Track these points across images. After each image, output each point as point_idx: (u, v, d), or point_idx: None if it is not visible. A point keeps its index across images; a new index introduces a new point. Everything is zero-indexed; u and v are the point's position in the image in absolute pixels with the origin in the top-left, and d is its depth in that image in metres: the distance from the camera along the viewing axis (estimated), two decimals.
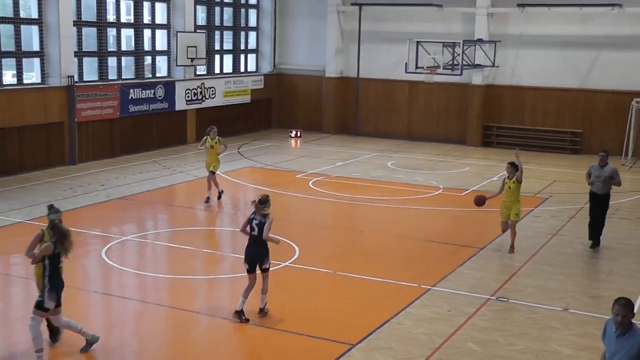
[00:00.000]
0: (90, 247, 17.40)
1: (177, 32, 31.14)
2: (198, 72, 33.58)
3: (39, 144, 25.81)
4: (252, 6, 37.62)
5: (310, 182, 25.06)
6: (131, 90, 29.17)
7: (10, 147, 24.86)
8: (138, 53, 30.44)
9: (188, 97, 32.27)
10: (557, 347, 12.21)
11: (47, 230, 11.36)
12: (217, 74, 35.32)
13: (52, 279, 11.13)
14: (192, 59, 31.54)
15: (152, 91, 30.25)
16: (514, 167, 17.01)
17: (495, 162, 29.84)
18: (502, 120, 34.04)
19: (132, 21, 30.39)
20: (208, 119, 33.41)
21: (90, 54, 28.32)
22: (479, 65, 32.07)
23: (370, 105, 36.46)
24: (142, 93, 29.70)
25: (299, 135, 35.26)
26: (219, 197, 22.09)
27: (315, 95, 37.59)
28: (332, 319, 13.31)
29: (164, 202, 22.46)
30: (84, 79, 27.90)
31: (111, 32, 29.46)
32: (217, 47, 35.41)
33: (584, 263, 16.81)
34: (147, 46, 31.13)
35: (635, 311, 8.11)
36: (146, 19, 30.93)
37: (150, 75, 31.43)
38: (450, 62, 29.62)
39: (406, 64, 29.89)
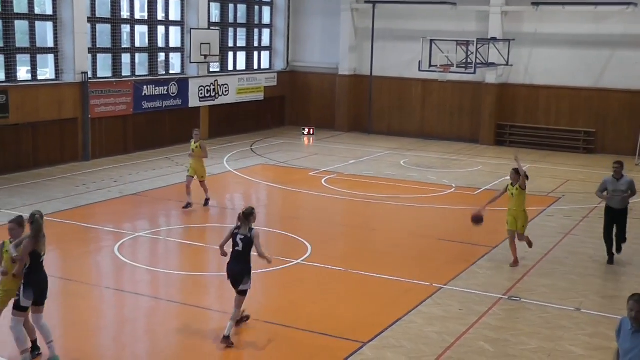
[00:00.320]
0: (102, 243, 17.47)
1: (191, 29, 31.18)
2: (211, 69, 33.62)
3: (52, 140, 25.90)
4: (266, 3, 37.63)
5: (323, 179, 25.06)
6: (144, 87, 29.24)
7: (25, 143, 24.96)
8: (152, 50, 30.50)
9: (201, 94, 32.32)
10: (569, 347, 12.18)
11: (6, 241, 10.93)
12: (231, 71, 35.35)
13: (29, 276, 10.74)
14: (205, 56, 31.57)
15: (166, 88, 30.31)
16: (517, 174, 16.13)
17: (508, 161, 29.69)
18: (515, 119, 33.94)
19: (146, 18, 30.45)
20: (221, 116, 33.56)
21: (104, 50, 28.40)
22: (492, 64, 31.97)
23: (383, 103, 36.43)
24: (155, 90, 29.75)
25: (312, 132, 35.26)
26: (206, 204, 20.99)
27: (328, 93, 37.59)
28: (343, 316, 13.31)
29: (177, 198, 22.48)
30: (98, 76, 27.99)
31: (125, 29, 29.54)
32: (230, 44, 35.44)
33: (597, 263, 16.74)
34: (160, 43, 31.19)
35: None
36: (160, 15, 30.99)
37: (164, 72, 31.49)
38: (464, 61, 29.53)
39: (420, 62, 29.81)
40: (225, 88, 33.81)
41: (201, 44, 31.27)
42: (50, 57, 26.41)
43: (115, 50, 28.65)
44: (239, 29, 36.14)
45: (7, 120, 24.18)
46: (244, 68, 36.47)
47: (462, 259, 16.82)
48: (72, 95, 26.31)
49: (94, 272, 15.91)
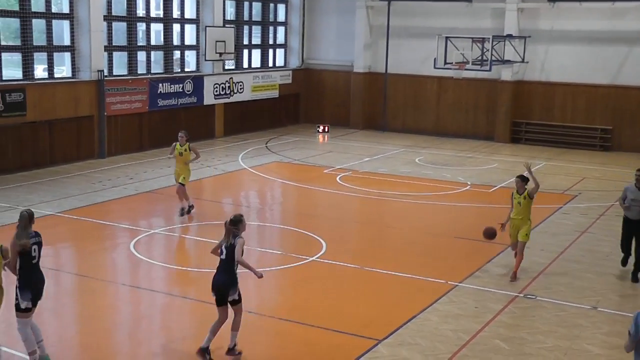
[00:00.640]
0: (118, 240, 17.54)
1: (206, 26, 31.24)
2: (226, 67, 33.67)
3: (69, 138, 26.01)
4: (281, 1, 37.62)
5: (338, 177, 25.06)
6: (160, 85, 29.31)
7: (42, 140, 25.08)
8: (167, 48, 30.56)
9: (216, 91, 32.37)
10: (586, 346, 12.13)
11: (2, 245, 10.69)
12: (246, 68, 35.39)
13: (22, 278, 10.62)
14: (220, 54, 31.62)
15: (181, 85, 30.37)
16: (524, 181, 15.11)
17: (524, 158, 29.62)
18: (531, 116, 33.83)
19: (162, 16, 30.51)
20: (236, 114, 33.60)
21: (120, 48, 28.48)
22: (508, 61, 31.88)
23: (398, 100, 36.38)
24: (170, 87, 29.82)
25: (326, 130, 35.26)
26: (189, 212, 19.65)
27: (343, 91, 37.57)
28: (358, 314, 13.31)
29: (192, 195, 22.47)
30: (114, 73, 28.08)
31: (141, 27, 29.62)
32: (245, 41, 35.47)
33: (613, 261, 16.64)
34: (176, 41, 31.25)
35: None
36: (175, 13, 31.05)
37: (179, 70, 31.55)
38: (480, 58, 29.48)
39: (435, 59, 29.79)
40: (240, 85, 33.85)
41: (216, 41, 31.32)
42: (67, 55, 26.51)
43: (131, 48, 28.74)
44: (254, 27, 36.17)
45: (25, 118, 24.30)
46: (258, 65, 36.50)
47: (477, 256, 16.78)
48: (88, 93, 26.41)
49: (110, 268, 15.96)
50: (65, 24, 26.24)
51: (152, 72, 29.82)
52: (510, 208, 15.37)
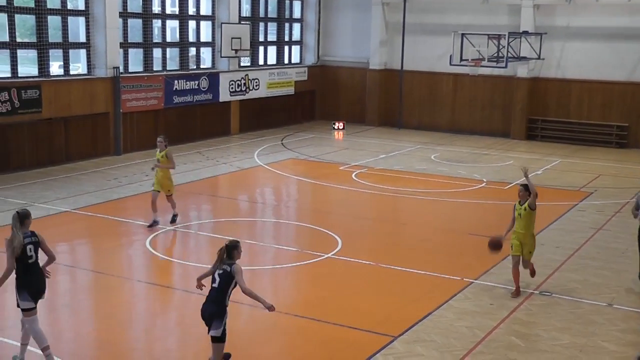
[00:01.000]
0: (134, 236, 17.59)
1: (222, 23, 31.26)
2: (242, 64, 33.70)
3: (84, 134, 26.10)
4: None
5: (354, 174, 25.05)
6: (175, 82, 29.36)
7: (57, 137, 25.18)
8: (183, 44, 30.61)
9: (232, 88, 32.40)
10: (601, 343, 12.10)
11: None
12: (261, 65, 35.40)
13: (18, 279, 10.55)
14: (236, 51, 31.65)
15: (197, 82, 30.42)
16: (527, 191, 13.91)
17: (540, 155, 29.60)
18: (547, 113, 33.70)
19: (177, 12, 30.56)
20: (252, 111, 33.64)
21: (135, 45, 28.55)
22: (524, 58, 31.77)
23: (414, 97, 36.32)
24: (186, 84, 29.87)
25: (342, 127, 35.24)
26: (154, 224, 18.16)
27: (358, 87, 37.54)
28: (374, 311, 13.31)
29: (208, 192, 22.59)
30: (129, 70, 28.14)
31: (156, 24, 29.68)
32: (261, 38, 35.49)
33: (629, 258, 16.56)
34: (191, 37, 31.31)
35: None
36: (191, 10, 31.11)
37: (195, 67, 31.61)
38: (495, 55, 29.38)
39: (451, 56, 29.69)
40: (256, 82, 33.87)
41: (232, 38, 31.34)
42: (83, 52, 26.60)
43: (147, 45, 28.80)
44: (269, 23, 36.18)
45: (40, 115, 24.41)
46: (274, 62, 36.51)
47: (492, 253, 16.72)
48: (104, 90, 26.49)
49: (126, 265, 16.02)
50: (81, 20, 26.33)
51: (167, 69, 29.88)
52: (510, 222, 14.17)
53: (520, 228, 14.01)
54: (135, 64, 28.81)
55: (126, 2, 27.63)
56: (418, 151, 30.08)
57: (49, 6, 24.92)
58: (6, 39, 23.80)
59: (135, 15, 28.30)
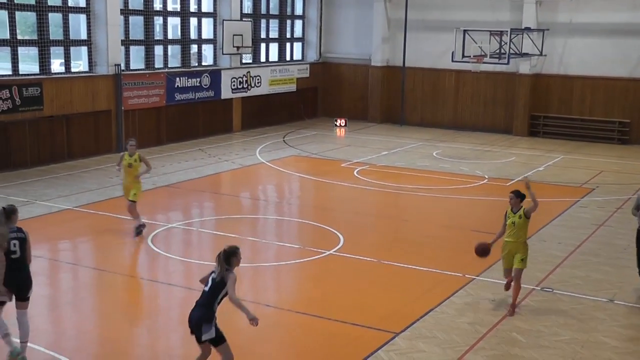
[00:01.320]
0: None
1: (223, 20, 31.26)
2: (244, 61, 33.69)
3: (86, 132, 26.11)
4: None
5: (356, 171, 25.05)
6: (177, 79, 29.37)
7: (59, 134, 25.18)
8: (184, 41, 30.61)
9: (234, 85, 32.40)
10: (603, 338, 12.10)
11: None
12: (263, 62, 35.40)
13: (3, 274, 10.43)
14: (238, 48, 31.63)
15: (198, 80, 30.42)
16: (519, 197, 13.11)
17: (542, 152, 29.60)
18: (549, 109, 33.68)
19: (179, 10, 30.55)
20: (254, 108, 33.65)
21: (137, 42, 28.55)
22: (526, 54, 31.76)
23: (416, 94, 36.31)
24: (188, 81, 29.88)
25: (344, 124, 35.22)
26: (139, 232, 17.15)
27: (361, 84, 37.53)
28: (375, 307, 13.31)
29: (210, 190, 22.60)
30: (131, 68, 28.15)
31: (158, 21, 29.68)
32: (263, 35, 35.48)
33: (631, 254, 16.49)
34: (193, 35, 31.30)
35: None
36: (192, 7, 31.09)
37: (196, 64, 31.60)
38: (498, 51, 29.37)
39: (453, 52, 29.71)
40: (258, 79, 33.87)
41: (233, 35, 31.33)
42: (84, 50, 26.60)
43: (148, 42, 28.80)
44: (271, 20, 36.17)
45: (42, 113, 24.42)
46: (276, 59, 36.51)
47: (494, 250, 16.68)
48: (106, 87, 26.50)
49: (128, 262, 16.03)
50: (82, 17, 26.33)
51: (169, 66, 29.89)
52: (501, 229, 13.27)
53: (512, 237, 13.05)
54: (137, 61, 28.81)
55: (127, 0, 27.63)
56: (420, 148, 30.07)
57: (49, 3, 24.91)
58: (7, 36, 23.80)
59: (136, 12, 28.29)
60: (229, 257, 9.81)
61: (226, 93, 32.03)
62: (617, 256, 16.47)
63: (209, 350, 10.04)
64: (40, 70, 24.80)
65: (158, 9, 29.54)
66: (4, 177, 22.53)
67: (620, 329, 12.50)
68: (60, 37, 25.58)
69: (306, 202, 21.99)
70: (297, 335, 12.28)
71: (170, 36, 30.27)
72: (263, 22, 35.47)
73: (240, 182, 24.01)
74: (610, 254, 16.59)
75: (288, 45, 37.33)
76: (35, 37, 24.74)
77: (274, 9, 36.39)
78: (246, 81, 33.14)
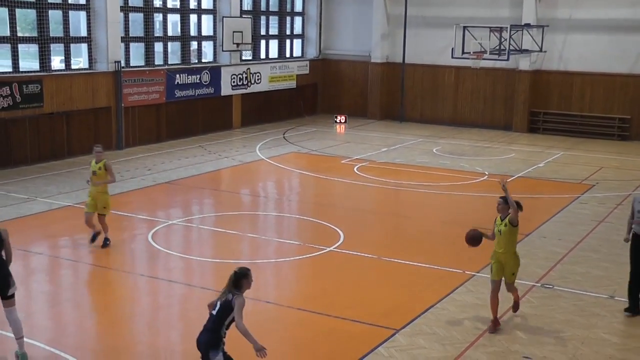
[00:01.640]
0: (136, 230, 17.61)
1: (223, 17, 31.25)
2: (244, 58, 33.69)
3: (86, 129, 26.11)
4: None
5: (355, 167, 25.06)
6: (177, 76, 29.37)
7: (59, 131, 25.19)
8: (184, 38, 30.61)
9: (234, 82, 32.40)
10: (603, 335, 12.11)
11: None
12: (263, 59, 35.40)
13: None
14: (237, 44, 31.63)
15: (198, 76, 30.42)
16: (507, 204, 12.14)
17: (542, 148, 29.60)
18: (549, 106, 33.67)
19: (178, 6, 30.54)
20: (253, 105, 33.65)
21: (136, 39, 28.54)
22: (526, 51, 31.75)
23: (416, 90, 36.30)
24: (188, 78, 29.87)
25: (344, 120, 35.22)
26: (93, 239, 16.05)
27: (360, 81, 37.53)
28: (376, 303, 13.32)
29: (210, 186, 22.60)
30: (131, 65, 28.15)
31: (157, 18, 29.67)
32: (262, 32, 35.47)
33: None
34: (193, 31, 31.29)
35: None
36: (192, 4, 31.08)
37: (196, 61, 31.60)
38: (497, 47, 29.36)
39: (452, 49, 29.68)
40: (258, 76, 33.86)
41: (233, 32, 31.33)
42: (84, 47, 26.60)
43: (148, 39, 28.80)
44: (271, 17, 36.16)
45: (42, 110, 24.42)
46: (276, 56, 36.50)
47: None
48: (106, 84, 26.50)
49: (128, 259, 16.03)
50: (82, 15, 26.33)
51: (169, 63, 29.89)
52: (490, 234, 12.54)
53: (500, 247, 12.23)
54: (137, 58, 28.81)
55: None
56: (420, 144, 30.08)
57: (49, 0, 24.89)
58: (7, 33, 23.81)
59: (136, 9, 28.29)
60: (239, 279, 9.26)
61: (226, 90, 32.02)
62: (617, 252, 16.45)
63: None
64: (40, 67, 24.82)
65: (158, 5, 29.53)
66: (4, 174, 22.54)
67: (621, 325, 12.52)
68: (61, 34, 25.58)
69: (306, 198, 22.00)
70: (297, 332, 12.29)
71: (170, 33, 30.26)
72: (263, 18, 35.46)
73: (240, 178, 24.02)
74: (610, 250, 16.60)
75: (288, 42, 37.31)
76: (35, 34, 24.75)
77: (274, 5, 36.38)
78: (246, 78, 33.14)
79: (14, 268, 14.14)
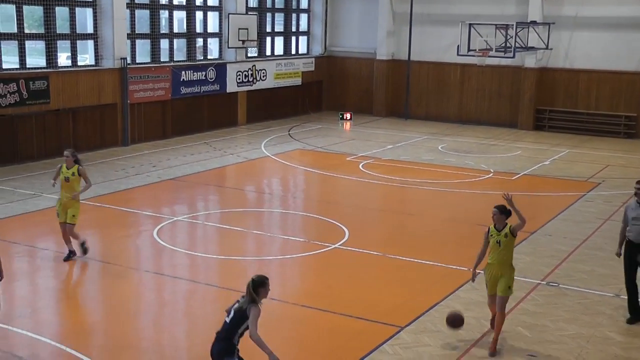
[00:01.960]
0: (142, 227, 17.63)
1: (229, 14, 31.24)
2: (249, 54, 33.68)
3: (92, 125, 26.15)
4: None
5: (361, 164, 25.05)
6: (183, 72, 29.38)
7: (65, 128, 25.23)
8: (190, 35, 30.61)
9: (239, 79, 32.40)
10: (608, 333, 12.10)
11: None
12: (268, 56, 35.39)
13: None
14: (243, 41, 31.63)
15: (204, 73, 30.43)
16: (504, 214, 11.55)
17: (548, 146, 29.56)
18: (554, 103, 33.63)
19: (184, 3, 30.54)
20: (259, 101, 33.64)
21: (142, 36, 28.56)
22: (532, 48, 31.70)
23: (421, 88, 36.27)
24: (193, 75, 29.88)
25: (349, 117, 35.21)
26: (69, 257, 14.94)
27: (366, 78, 37.51)
28: (381, 301, 13.33)
29: (215, 183, 22.62)
30: (137, 61, 28.16)
31: (163, 14, 29.67)
32: (268, 29, 35.46)
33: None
34: (198, 28, 31.30)
35: None
36: (198, 1, 31.11)
37: (202, 58, 31.61)
38: (503, 45, 29.32)
39: (458, 46, 29.65)
40: (263, 73, 33.87)
41: (239, 29, 31.32)
42: (90, 43, 26.62)
43: (154, 36, 28.82)
44: (276, 14, 36.15)
45: (48, 106, 24.46)
46: (281, 53, 36.49)
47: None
48: (112, 81, 26.52)
49: (134, 255, 16.05)
50: (89, 11, 26.35)
51: (174, 59, 29.91)
52: (481, 249, 11.93)
53: (494, 259, 11.58)
54: (143, 55, 28.83)
55: None
56: (425, 142, 30.06)
57: None
58: (14, 30, 23.84)
59: (142, 6, 28.31)
60: (256, 287, 9.04)
61: (231, 87, 32.03)
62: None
63: None
64: (47, 63, 24.85)
65: (164, 2, 29.52)
66: (11, 170, 22.59)
67: (626, 324, 12.49)
68: (67, 30, 25.61)
69: (311, 195, 22.01)
70: (301, 329, 12.30)
71: (176, 30, 30.27)
72: (268, 15, 35.45)
73: (245, 175, 24.03)
74: (616, 249, 16.53)
75: (293, 39, 37.31)
76: (42, 30, 24.78)
77: (280, 2, 36.36)
78: (251, 75, 33.14)
79: (19, 264, 14.21)
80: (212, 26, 32.00)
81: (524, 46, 30.87)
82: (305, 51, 38.12)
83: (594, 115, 32.78)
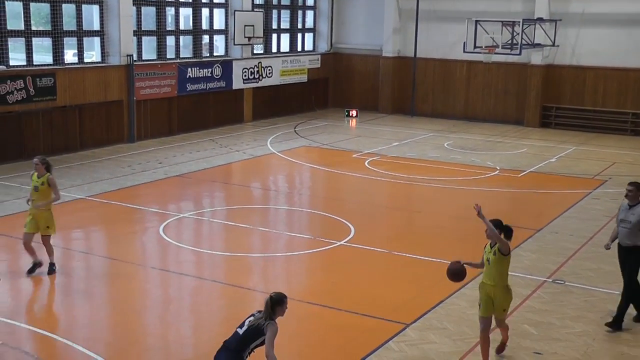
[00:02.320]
0: (148, 223, 17.65)
1: (235, 11, 31.24)
2: (255, 51, 33.68)
3: (98, 122, 26.18)
4: None
5: (367, 161, 25.05)
6: (189, 69, 29.39)
7: (71, 124, 25.26)
8: (196, 32, 30.63)
9: (245, 76, 32.40)
10: (615, 331, 12.07)
11: None
12: (274, 53, 35.38)
13: None
14: (249, 38, 31.62)
15: (210, 70, 30.44)
16: (498, 229, 11.00)
17: (554, 143, 29.51)
18: (561, 100, 33.56)
19: (190, 0, 30.54)
20: (265, 98, 33.64)
21: (149, 33, 28.57)
22: (538, 45, 31.64)
23: (427, 85, 36.23)
24: (199, 72, 29.90)
25: (355, 114, 35.20)
26: (31, 270, 13.93)
27: (372, 75, 37.47)
28: (386, 298, 13.33)
29: (221, 180, 22.64)
30: (143, 58, 28.19)
31: (170, 11, 29.68)
32: (274, 26, 35.45)
33: None
34: (205, 25, 31.30)
35: None
36: None
37: (208, 54, 31.62)
38: (510, 42, 29.29)
39: (464, 43, 29.63)
40: (269, 70, 33.86)
41: (245, 25, 31.32)
42: (97, 40, 26.64)
43: (160, 33, 28.83)
44: (282, 11, 36.15)
45: (55, 103, 24.50)
46: (287, 50, 36.48)
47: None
48: (118, 78, 26.55)
49: (140, 252, 16.08)
50: (95, 8, 26.37)
51: (181, 56, 29.92)
52: (480, 261, 11.21)
53: (488, 279, 10.72)
54: (149, 51, 28.84)
55: None
56: (431, 139, 30.03)
57: None
58: (21, 27, 23.88)
59: (148, 3, 28.31)
60: (274, 305, 8.83)
61: (237, 83, 32.04)
62: None
63: None
64: (53, 60, 24.90)
65: None
66: (18, 167, 22.62)
67: (633, 321, 12.47)
68: (74, 27, 25.64)
69: (317, 192, 22.01)
70: (307, 326, 12.31)
71: (182, 27, 30.28)
72: (274, 12, 35.44)
73: (251, 172, 24.04)
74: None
75: (299, 35, 37.29)
76: (49, 27, 24.81)
77: None
78: (257, 72, 33.14)
79: (26, 260, 14.23)
80: (218, 23, 32.00)
81: (530, 43, 30.82)
82: (311, 48, 38.10)
83: (600, 112, 32.72)
